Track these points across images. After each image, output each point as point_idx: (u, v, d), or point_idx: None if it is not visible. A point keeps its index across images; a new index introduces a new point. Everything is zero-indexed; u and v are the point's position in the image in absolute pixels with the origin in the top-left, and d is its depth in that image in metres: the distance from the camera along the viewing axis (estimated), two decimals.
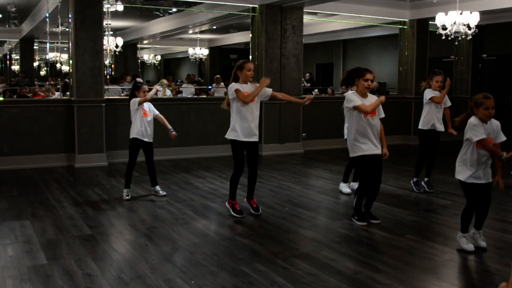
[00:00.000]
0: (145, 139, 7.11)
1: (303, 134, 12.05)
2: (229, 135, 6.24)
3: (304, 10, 11.77)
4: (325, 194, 7.66)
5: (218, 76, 16.86)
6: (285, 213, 6.52)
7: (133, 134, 7.09)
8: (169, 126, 7.26)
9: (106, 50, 13.88)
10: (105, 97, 10.07)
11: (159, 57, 28.54)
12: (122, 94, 15.31)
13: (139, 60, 24.83)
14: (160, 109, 10.12)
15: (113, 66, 19.33)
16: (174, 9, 15.12)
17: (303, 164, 10.35)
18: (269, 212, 6.53)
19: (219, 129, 11.19)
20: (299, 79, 11.94)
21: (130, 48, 21.72)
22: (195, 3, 12.95)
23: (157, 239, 5.42)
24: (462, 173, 5.06)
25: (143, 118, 7.05)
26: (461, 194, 7.64)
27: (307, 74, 19.07)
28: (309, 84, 18.28)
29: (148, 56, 27.43)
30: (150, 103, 7.26)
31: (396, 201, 7.23)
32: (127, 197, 7.14)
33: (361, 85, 5.89)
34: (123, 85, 16.80)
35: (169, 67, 31.56)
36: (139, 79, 7.25)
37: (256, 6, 11.35)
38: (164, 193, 7.39)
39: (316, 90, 17.15)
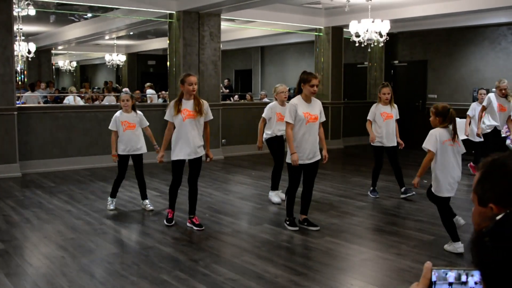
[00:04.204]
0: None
1: (223, 140, 12.09)
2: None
3: (222, 16, 11.83)
4: (246, 200, 7.73)
5: None
6: (206, 219, 6.51)
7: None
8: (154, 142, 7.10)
9: (18, 56, 13.37)
10: (17, 105, 9.70)
11: (74, 64, 27.77)
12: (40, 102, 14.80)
13: (53, 67, 24.04)
14: (76, 117, 9.90)
15: (25, 72, 18.61)
16: (90, 14, 14.78)
17: (223, 170, 10.39)
18: None
19: None
20: (218, 86, 11.98)
21: (44, 54, 21.01)
22: (111, 9, 12.71)
23: (75, 250, 5.28)
24: None
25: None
26: (378, 195, 7.93)
27: (226, 80, 19.16)
28: (227, 90, 18.38)
29: (63, 63, 26.62)
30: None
31: (314, 204, 7.35)
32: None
33: (307, 90, 5.86)
34: (36, 92, 16.24)
35: (86, 73, 30.77)
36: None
37: (174, 12, 11.29)
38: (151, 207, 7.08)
39: (235, 96, 17.29)
